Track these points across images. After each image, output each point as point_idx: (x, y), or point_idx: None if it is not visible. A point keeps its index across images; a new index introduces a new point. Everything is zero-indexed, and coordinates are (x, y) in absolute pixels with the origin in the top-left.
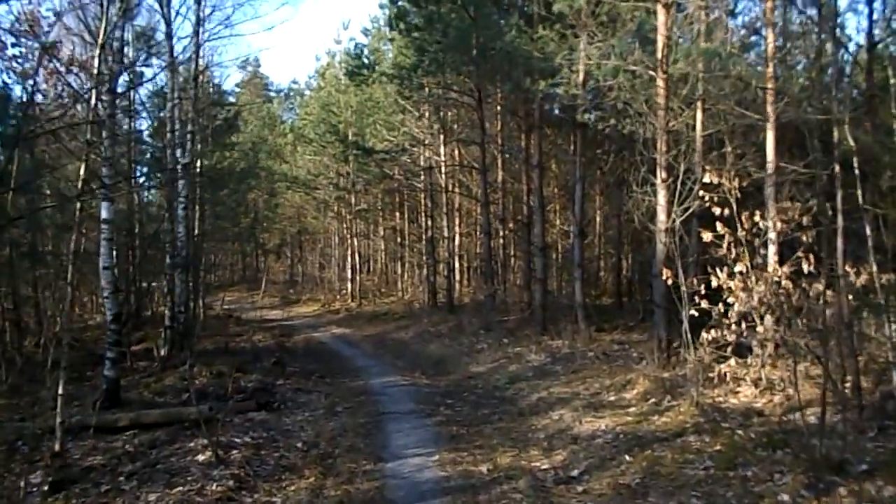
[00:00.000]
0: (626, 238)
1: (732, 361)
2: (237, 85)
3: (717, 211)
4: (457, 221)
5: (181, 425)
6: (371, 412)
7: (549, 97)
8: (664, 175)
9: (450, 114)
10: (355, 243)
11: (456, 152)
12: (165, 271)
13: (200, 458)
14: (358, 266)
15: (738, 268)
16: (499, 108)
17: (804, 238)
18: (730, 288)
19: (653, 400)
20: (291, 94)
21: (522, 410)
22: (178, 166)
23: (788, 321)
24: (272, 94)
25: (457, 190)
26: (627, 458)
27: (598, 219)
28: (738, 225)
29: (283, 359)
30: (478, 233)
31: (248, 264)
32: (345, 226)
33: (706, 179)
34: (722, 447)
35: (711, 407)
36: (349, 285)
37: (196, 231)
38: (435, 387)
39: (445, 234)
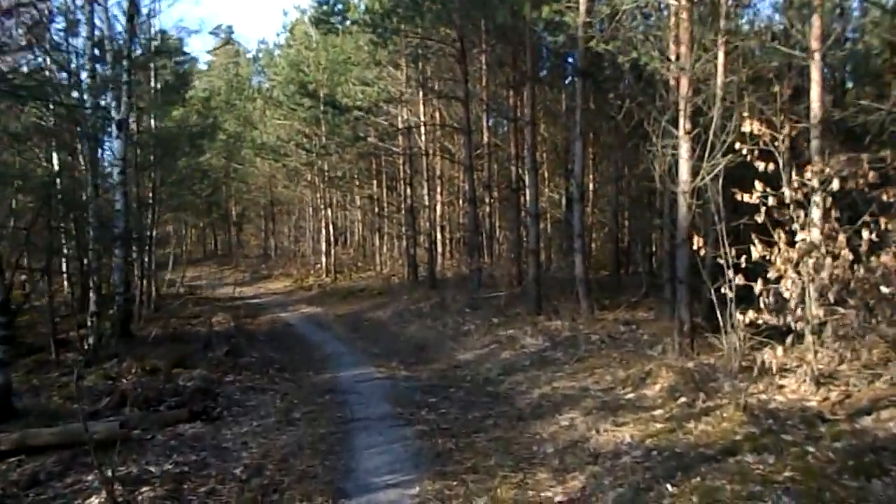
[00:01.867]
0: (623, 203)
1: (779, 349)
2: (209, 52)
3: (759, 167)
4: (438, 189)
5: (81, 448)
6: (336, 419)
7: (541, 43)
8: (688, 125)
9: (429, 68)
10: (329, 214)
11: (437, 114)
12: (90, 246)
13: (95, 502)
14: (333, 239)
15: (800, 235)
16: (484, 61)
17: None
18: (774, 260)
19: (683, 399)
20: (260, 55)
21: (522, 412)
22: (112, 124)
23: (866, 303)
24: (240, 58)
25: (438, 154)
26: (669, 487)
27: (590, 185)
28: (786, 183)
29: (238, 346)
30: (461, 201)
31: (220, 238)
32: (318, 195)
33: (745, 128)
34: (794, 472)
35: (760, 409)
36: (324, 259)
37: (139, 200)
38: (416, 380)
39: (426, 202)
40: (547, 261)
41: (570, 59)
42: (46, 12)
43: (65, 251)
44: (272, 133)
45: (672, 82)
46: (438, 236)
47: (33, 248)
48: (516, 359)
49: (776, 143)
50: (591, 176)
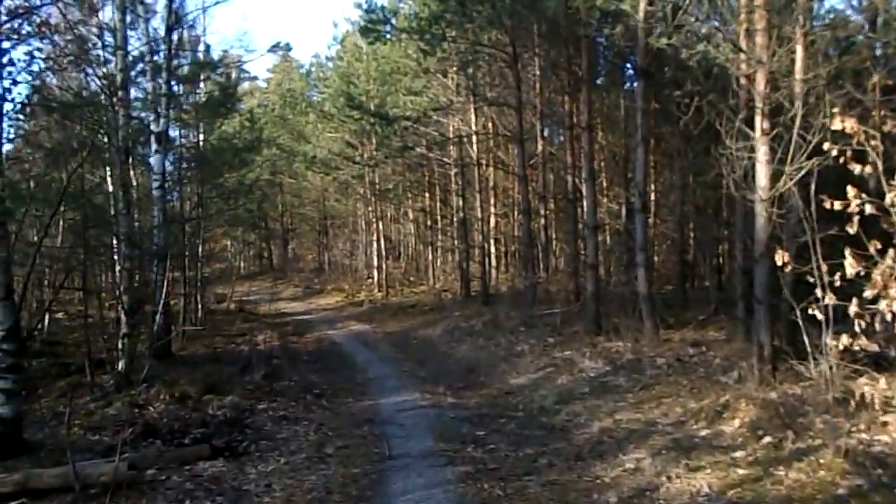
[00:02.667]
0: (688, 213)
1: (882, 380)
2: (268, 70)
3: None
4: (492, 201)
5: (86, 492)
6: (372, 456)
7: (597, 44)
8: (766, 125)
9: (480, 75)
10: (381, 227)
11: (490, 123)
12: (119, 264)
13: None
14: (384, 253)
15: None
16: (537, 65)
17: None
18: (874, 276)
19: (768, 438)
20: (313, 69)
21: (580, 450)
22: (151, 137)
23: None
24: (293, 72)
25: (491, 164)
26: None
27: (652, 194)
28: (886, 187)
29: (278, 369)
30: (516, 213)
31: (275, 253)
32: (370, 208)
33: (835, 125)
34: None
35: (865, 454)
36: (375, 274)
37: (184, 214)
38: (463, 408)
39: (479, 214)
40: (605, 275)
41: (629, 61)
42: (95, 30)
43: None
44: (324, 146)
45: (743, 80)
46: (492, 249)
47: (70, 267)
48: (574, 385)
49: (872, 143)
50: (652, 185)
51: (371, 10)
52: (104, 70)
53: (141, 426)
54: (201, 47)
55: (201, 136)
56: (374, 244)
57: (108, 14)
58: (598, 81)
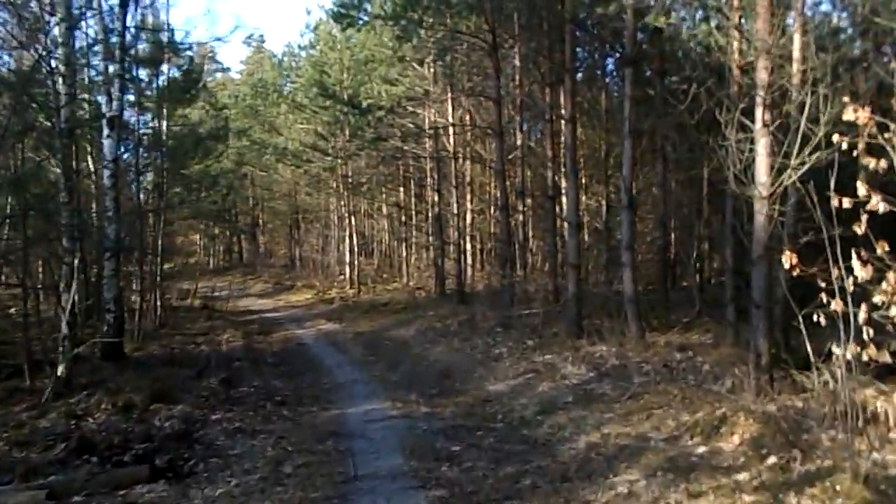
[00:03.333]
0: (669, 211)
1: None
2: (241, 62)
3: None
4: (468, 196)
5: None
6: (335, 476)
7: (580, 32)
8: (767, 116)
9: (458, 64)
10: (354, 223)
11: (467, 116)
12: (62, 258)
13: None
14: (357, 249)
15: None
16: (518, 55)
17: None
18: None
19: (772, 458)
20: (285, 59)
21: (567, 469)
22: (103, 121)
23: None
24: (265, 61)
25: (468, 158)
26: None
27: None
28: None
29: (238, 372)
30: (492, 209)
31: (245, 248)
32: (342, 203)
33: (847, 116)
34: None
35: (886, 480)
36: (347, 270)
37: (140, 205)
38: (437, 419)
39: (455, 210)
40: (584, 275)
41: (615, 49)
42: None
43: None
44: (295, 138)
45: (736, 70)
46: (468, 246)
47: (7, 260)
48: (556, 393)
49: (888, 135)
50: (633, 182)
51: None
52: (43, 42)
53: (75, 441)
54: (156, 23)
55: (164, 123)
56: (347, 240)
57: None
58: (579, 74)
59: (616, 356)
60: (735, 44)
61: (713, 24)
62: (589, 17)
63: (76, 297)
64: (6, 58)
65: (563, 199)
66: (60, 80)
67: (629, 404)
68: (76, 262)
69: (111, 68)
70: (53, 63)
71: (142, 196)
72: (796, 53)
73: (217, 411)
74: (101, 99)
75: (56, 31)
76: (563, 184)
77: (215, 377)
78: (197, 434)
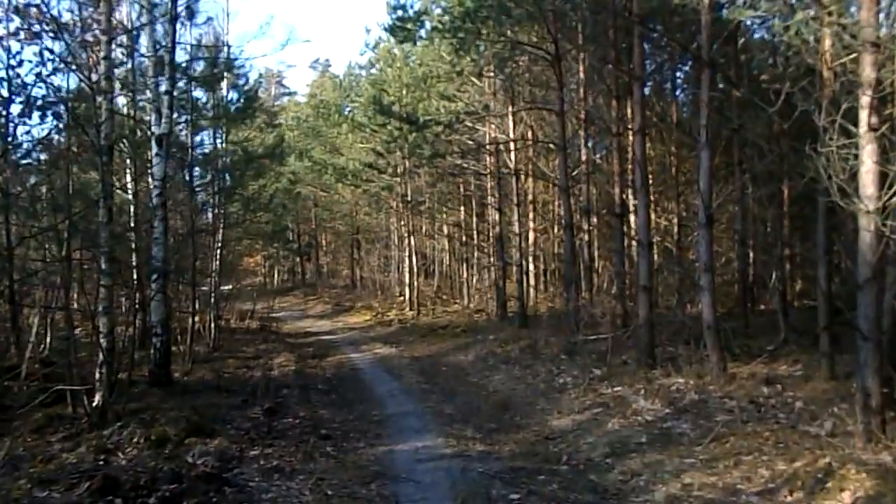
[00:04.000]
0: (748, 228)
1: None
2: (308, 86)
3: None
4: (531, 215)
5: None
6: None
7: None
8: (874, 120)
9: (518, 76)
10: (413, 242)
11: (529, 131)
12: (100, 282)
13: None
14: (416, 269)
15: None
16: (581, 69)
17: None
18: None
19: None
20: (346, 79)
21: None
22: (152, 138)
23: None
24: (326, 82)
25: (530, 175)
26: None
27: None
28: None
29: (286, 401)
30: (555, 228)
31: (308, 268)
32: (402, 222)
33: None
34: None
35: None
36: (407, 292)
37: (194, 226)
38: (494, 458)
39: (517, 230)
40: (654, 299)
41: (689, 52)
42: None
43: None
44: (355, 158)
45: (827, 72)
46: (530, 267)
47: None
48: (628, 432)
49: None
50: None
51: (400, 7)
52: (86, 56)
53: (100, 480)
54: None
55: (219, 143)
56: (406, 260)
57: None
58: (647, 85)
59: (695, 390)
60: (827, 41)
61: (799, 16)
62: (659, 19)
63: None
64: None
65: (632, 217)
66: (102, 96)
67: (713, 448)
68: (112, 283)
69: (162, 86)
70: (94, 78)
71: (198, 216)
72: None
73: (256, 446)
74: (151, 117)
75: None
76: (632, 200)
77: (261, 405)
78: (231, 473)
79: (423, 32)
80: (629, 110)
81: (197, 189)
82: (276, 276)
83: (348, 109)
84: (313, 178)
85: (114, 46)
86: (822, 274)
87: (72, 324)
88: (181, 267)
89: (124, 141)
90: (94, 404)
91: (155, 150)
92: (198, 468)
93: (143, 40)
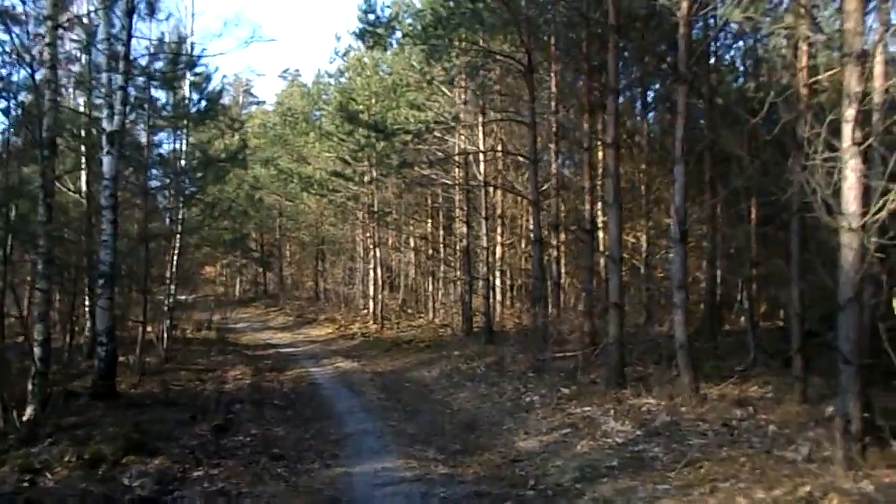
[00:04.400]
0: (716, 247)
1: None
2: (276, 95)
3: None
4: (499, 229)
5: None
6: None
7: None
8: (858, 134)
9: (489, 86)
10: (378, 255)
11: (499, 144)
12: (36, 286)
13: None
14: (381, 282)
15: None
16: (553, 82)
17: None
18: None
19: None
20: (314, 87)
21: None
22: (103, 136)
23: None
24: (294, 89)
25: (500, 187)
26: None
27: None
28: None
29: (237, 417)
30: (523, 243)
31: (271, 278)
32: (368, 234)
33: None
34: None
35: None
36: (371, 305)
37: (147, 230)
38: (458, 482)
39: (485, 243)
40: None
41: (665, 63)
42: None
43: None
44: (322, 167)
45: (803, 88)
46: (497, 282)
47: None
48: (598, 454)
49: None
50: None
51: (370, 11)
52: (22, 43)
53: None
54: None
55: (179, 145)
56: (371, 273)
57: None
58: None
59: (666, 411)
60: (804, 57)
61: (788, 18)
62: (635, 34)
63: (72, 328)
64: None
65: (600, 233)
66: (46, 86)
67: (687, 473)
68: (48, 287)
69: (115, 81)
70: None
71: (153, 220)
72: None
73: (201, 466)
74: (104, 113)
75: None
76: (601, 217)
77: (210, 422)
78: (170, 496)
79: (393, 40)
80: (600, 124)
81: (152, 191)
82: (238, 286)
83: (316, 117)
84: (278, 187)
85: (62, 34)
86: (796, 294)
87: (2, 331)
88: (133, 273)
89: (74, 137)
90: (25, 419)
91: (105, 147)
92: (133, 491)
93: (101, 33)
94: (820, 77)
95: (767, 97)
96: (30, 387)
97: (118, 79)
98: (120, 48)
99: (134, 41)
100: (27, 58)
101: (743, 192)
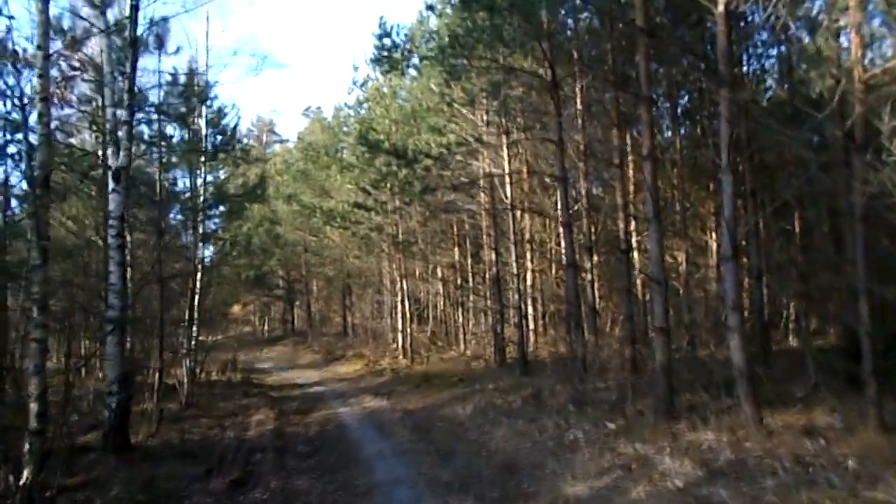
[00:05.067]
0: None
1: None
2: (298, 133)
3: None
4: (528, 255)
5: None
6: None
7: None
8: None
9: (512, 103)
10: (405, 286)
11: (524, 166)
12: (31, 336)
13: None
14: (409, 315)
15: None
16: (578, 99)
17: None
18: None
19: None
20: (333, 120)
21: None
22: (108, 172)
23: None
24: (315, 125)
25: (527, 211)
26: None
27: (713, 243)
28: None
29: (257, 468)
30: (553, 269)
31: (299, 315)
32: (394, 265)
33: None
34: None
35: None
36: (399, 339)
37: (161, 272)
38: None
39: (515, 270)
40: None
41: (702, 65)
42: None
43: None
44: (344, 200)
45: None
46: (529, 310)
47: None
48: (658, 502)
49: None
50: (711, 234)
51: (385, 35)
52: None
53: None
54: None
55: (194, 182)
56: (399, 305)
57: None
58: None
59: (729, 447)
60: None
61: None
62: (666, 26)
63: (72, 380)
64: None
65: (635, 254)
66: (39, 120)
67: None
68: (44, 337)
69: (120, 115)
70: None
71: (167, 260)
72: None
73: None
74: (109, 150)
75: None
76: (635, 236)
77: (227, 476)
78: None
79: (410, 65)
80: (629, 139)
81: (166, 230)
82: (265, 324)
83: (338, 150)
84: (301, 223)
85: (61, 65)
86: (864, 309)
87: (3, 385)
88: (149, 316)
89: (86, 178)
90: (21, 482)
91: (111, 185)
92: None
93: (105, 65)
94: (877, 70)
95: (825, 98)
96: (26, 447)
97: (123, 113)
98: (123, 82)
99: (145, 77)
100: (16, 91)
101: (796, 201)
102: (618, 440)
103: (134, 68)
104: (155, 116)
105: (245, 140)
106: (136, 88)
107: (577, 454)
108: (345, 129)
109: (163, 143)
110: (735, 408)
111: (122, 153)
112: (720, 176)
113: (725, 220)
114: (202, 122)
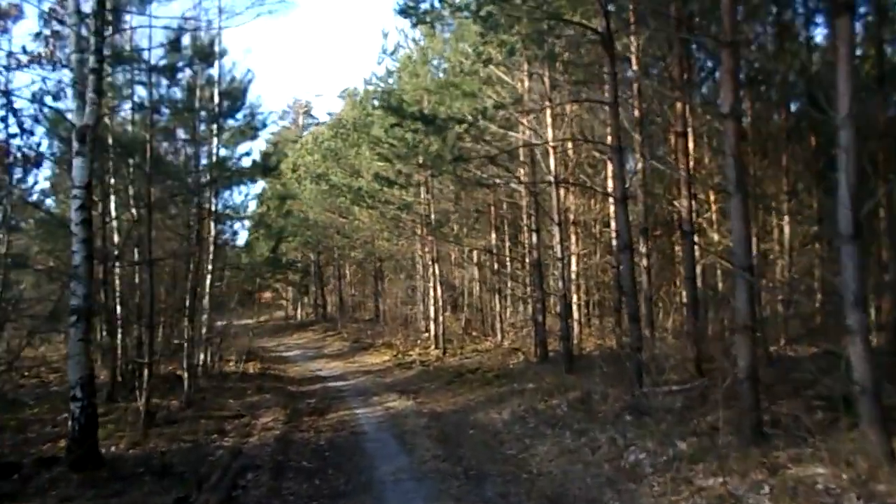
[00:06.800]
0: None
1: None
2: (329, 114)
3: None
4: (573, 238)
5: None
6: None
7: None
8: None
9: (558, 61)
10: (438, 271)
11: (569, 134)
12: None
13: None
14: (442, 302)
15: None
16: (635, 57)
17: None
18: None
19: None
20: (362, 92)
21: None
22: (73, 131)
23: None
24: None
25: (574, 184)
26: None
27: (785, 228)
28: None
29: (241, 498)
30: (598, 254)
31: (330, 301)
32: (426, 248)
33: None
34: None
35: None
36: (431, 327)
37: (150, 251)
38: None
39: (558, 254)
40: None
41: None
42: None
43: None
44: (372, 179)
45: None
46: (574, 298)
47: None
48: None
49: None
50: (784, 217)
51: None
52: None
53: None
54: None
55: (190, 150)
56: (431, 291)
57: None
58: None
59: (852, 486)
60: None
61: None
62: None
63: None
64: None
65: (707, 232)
66: None
67: None
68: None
69: (87, 64)
70: None
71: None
72: None
73: None
74: (74, 105)
75: None
76: (705, 214)
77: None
78: None
79: (443, 14)
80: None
81: (158, 205)
82: (299, 309)
83: (366, 126)
84: (330, 203)
85: None
86: None
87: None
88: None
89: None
90: None
91: (76, 146)
92: None
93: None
94: None
95: None
96: None
97: (90, 59)
98: (90, 21)
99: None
100: None
101: None
102: (694, 469)
103: (101, 8)
104: (145, 76)
105: (279, 121)
106: (105, 30)
107: (641, 486)
108: (374, 101)
109: (150, 103)
110: (845, 431)
111: (87, 108)
112: (839, 130)
113: (847, 186)
114: (215, 91)
